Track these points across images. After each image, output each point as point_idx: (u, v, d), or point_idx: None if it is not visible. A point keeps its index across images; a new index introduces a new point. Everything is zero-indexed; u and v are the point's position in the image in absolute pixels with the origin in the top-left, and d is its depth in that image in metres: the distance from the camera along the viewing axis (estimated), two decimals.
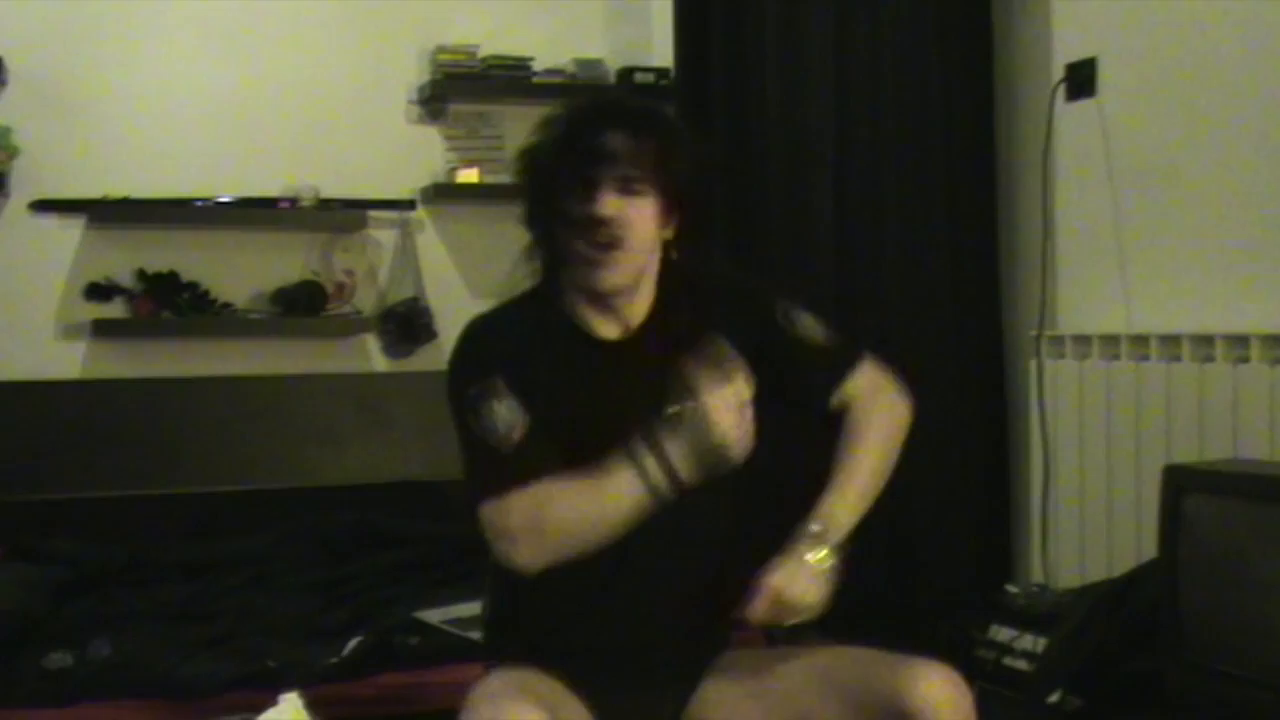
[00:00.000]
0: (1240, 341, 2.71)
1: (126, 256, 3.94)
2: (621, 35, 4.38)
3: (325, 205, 4.04)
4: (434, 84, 4.14)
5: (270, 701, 2.08)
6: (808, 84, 3.39)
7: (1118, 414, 2.96)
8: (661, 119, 1.90)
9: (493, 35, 4.21)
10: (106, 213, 3.89)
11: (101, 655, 2.66)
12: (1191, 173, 2.93)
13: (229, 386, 3.99)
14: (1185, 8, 2.94)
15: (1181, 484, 2.33)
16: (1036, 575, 3.20)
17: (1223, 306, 2.83)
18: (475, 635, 2.70)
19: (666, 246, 1.89)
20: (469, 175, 4.14)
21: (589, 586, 1.83)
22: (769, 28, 3.40)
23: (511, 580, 1.87)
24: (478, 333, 1.91)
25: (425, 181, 4.20)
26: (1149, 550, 2.49)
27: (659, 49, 4.12)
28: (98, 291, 3.91)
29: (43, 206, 3.87)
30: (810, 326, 1.95)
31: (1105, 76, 3.14)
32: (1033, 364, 3.22)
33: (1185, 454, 2.70)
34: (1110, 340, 3.02)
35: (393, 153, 4.19)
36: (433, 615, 2.92)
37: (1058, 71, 3.24)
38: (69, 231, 3.91)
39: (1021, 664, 2.66)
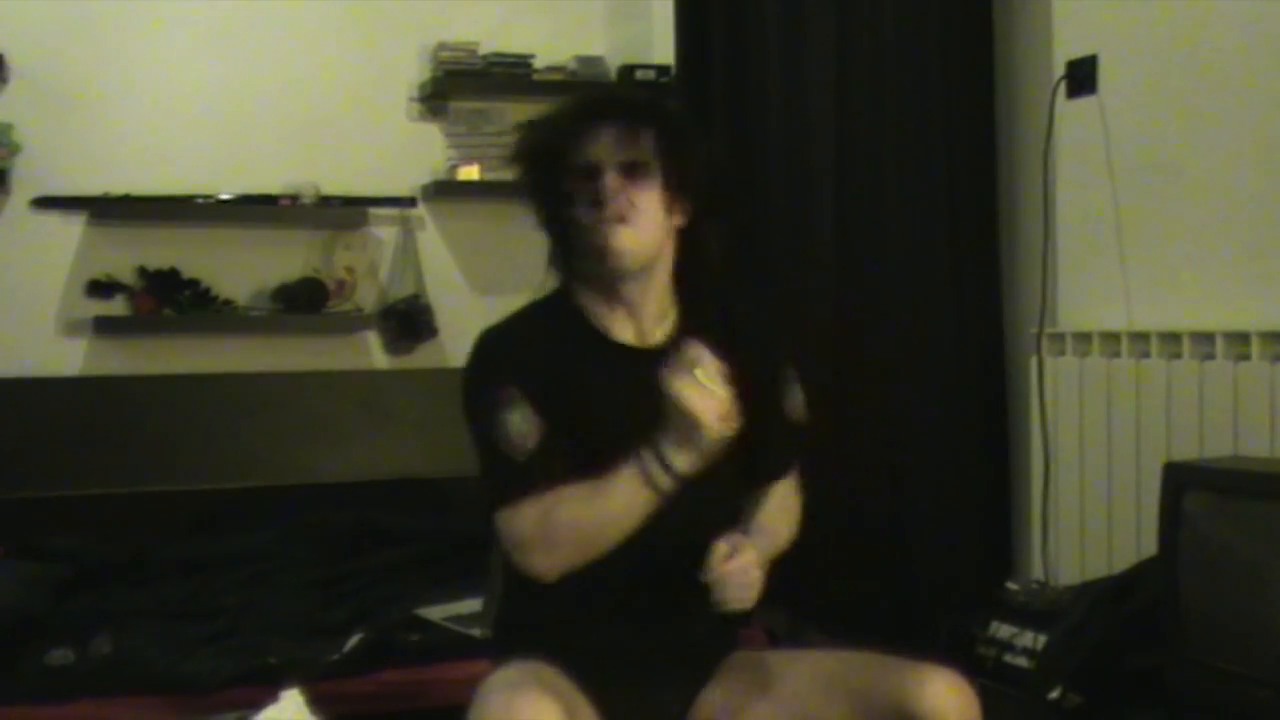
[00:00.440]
0: (1241, 339, 2.71)
1: (127, 253, 3.94)
2: (622, 32, 4.38)
3: (326, 202, 4.04)
4: (435, 81, 4.14)
5: (271, 698, 2.09)
6: (808, 80, 3.39)
7: (1118, 411, 2.96)
8: (663, 108, 1.92)
9: (493, 32, 4.21)
10: (108, 210, 3.90)
11: (103, 652, 2.66)
12: (1192, 170, 2.93)
13: (230, 383, 3.99)
14: (1186, 5, 2.94)
15: (1182, 481, 2.33)
16: (1037, 572, 3.20)
17: (1223, 304, 2.83)
18: (476, 632, 2.70)
19: (681, 241, 1.90)
20: (470, 172, 4.14)
21: (596, 587, 1.83)
22: (770, 25, 3.40)
23: (520, 579, 1.88)
24: (490, 342, 1.91)
25: (426, 179, 4.20)
26: (1149, 547, 2.49)
27: (660, 46, 4.12)
28: (99, 288, 3.91)
29: (44, 203, 3.87)
30: (795, 407, 2.00)
31: (1106, 73, 3.14)
32: (1033, 361, 3.22)
33: (1185, 451, 2.70)
34: (1111, 337, 3.03)
35: (393, 150, 4.19)
36: (433, 612, 2.92)
37: (1058, 68, 3.24)
38: (70, 228, 3.91)
39: (1022, 661, 2.66)
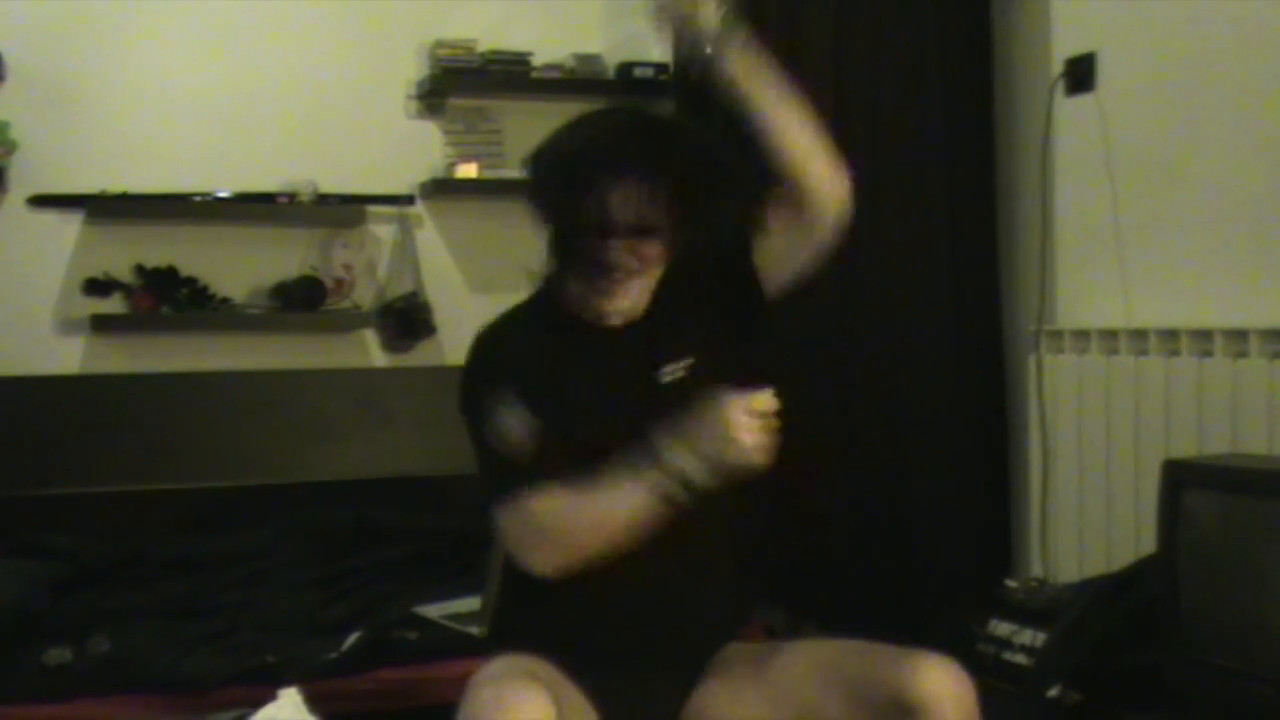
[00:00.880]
0: (1239, 336, 2.71)
1: (125, 251, 3.93)
2: (620, 30, 4.37)
3: (324, 200, 4.04)
4: (433, 79, 4.14)
5: (269, 696, 2.09)
6: (806, 79, 3.37)
7: (1117, 409, 2.95)
8: (676, 149, 1.90)
9: (492, 30, 4.20)
10: (105, 208, 3.89)
11: (101, 651, 2.66)
12: (1191, 168, 2.93)
13: (228, 381, 3.98)
14: (1185, 3, 2.94)
15: (1180, 479, 2.33)
16: (1036, 570, 3.20)
17: (1222, 301, 2.83)
18: (474, 630, 2.71)
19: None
20: (468, 170, 4.14)
21: (593, 582, 1.83)
22: (768, 23, 3.40)
23: (517, 577, 1.89)
24: (485, 343, 1.94)
25: (424, 176, 4.20)
26: (1148, 545, 2.49)
27: (658, 44, 4.12)
28: (96, 287, 3.90)
29: (41, 202, 3.87)
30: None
31: (1104, 71, 3.14)
32: (1032, 359, 3.21)
33: (1184, 449, 2.70)
34: (1109, 335, 3.02)
35: (391, 148, 4.18)
36: (431, 610, 2.93)
37: (1057, 66, 3.24)
38: (67, 226, 3.91)
39: (1021, 658, 2.66)
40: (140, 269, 3.93)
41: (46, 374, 3.86)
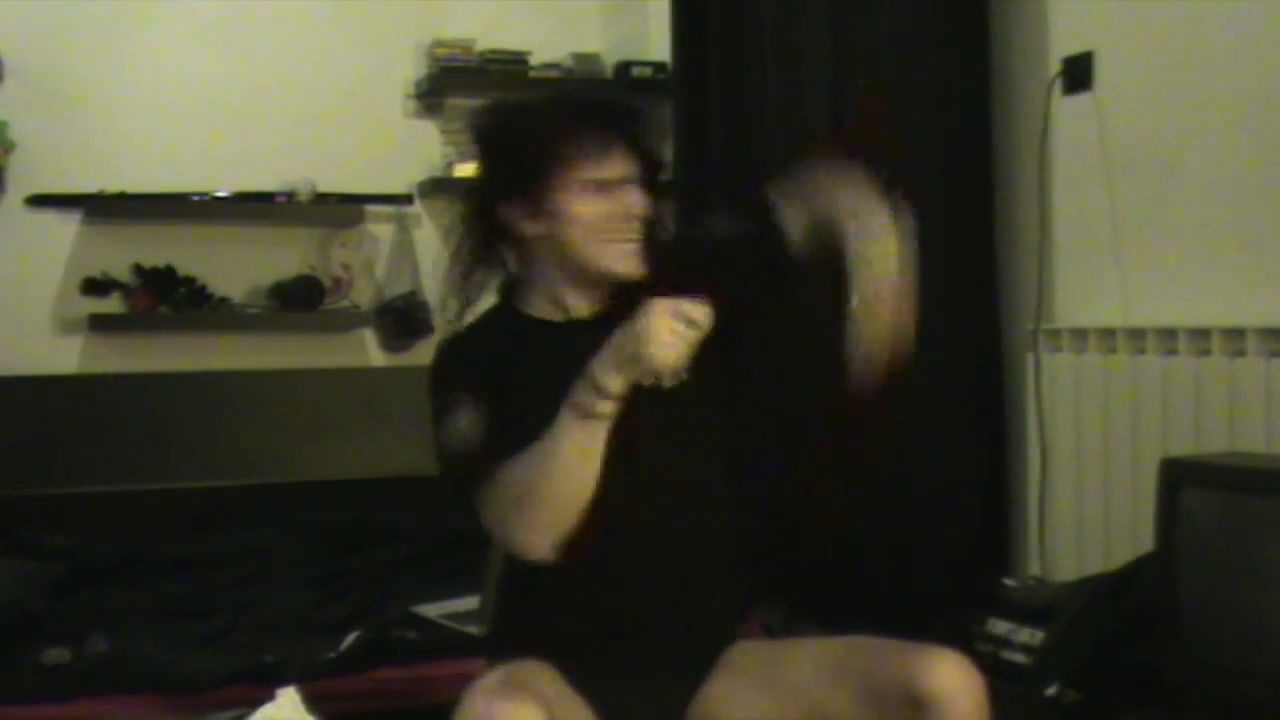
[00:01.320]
0: (1237, 335, 2.71)
1: (123, 251, 3.93)
2: (619, 29, 4.37)
3: (322, 200, 4.04)
4: (431, 78, 4.14)
5: (268, 696, 2.09)
6: (805, 77, 3.39)
7: (1114, 407, 2.96)
8: (642, 113, 1.95)
9: (490, 29, 4.21)
10: (103, 207, 3.89)
11: (99, 650, 2.66)
12: (1189, 166, 2.93)
13: (226, 381, 3.98)
14: (1183, 2, 2.94)
15: (1178, 477, 2.33)
16: (1034, 569, 3.20)
17: (1219, 300, 2.83)
18: (473, 629, 2.70)
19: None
20: (466, 170, 4.13)
21: (593, 583, 1.83)
22: (766, 21, 3.40)
23: (516, 578, 1.89)
24: (444, 350, 1.95)
25: (422, 176, 4.20)
26: (1146, 543, 2.49)
27: (656, 43, 4.12)
28: (94, 286, 3.90)
29: (39, 201, 3.87)
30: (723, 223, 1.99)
31: (1102, 70, 3.14)
32: (1029, 358, 3.22)
33: (1182, 447, 2.70)
34: (1107, 334, 3.02)
35: (390, 147, 4.18)
36: (430, 610, 2.92)
37: (1054, 65, 3.24)
38: (65, 226, 3.91)
39: (1019, 657, 2.66)
40: (138, 268, 3.93)
41: (45, 374, 3.86)
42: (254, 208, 4.02)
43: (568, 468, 1.72)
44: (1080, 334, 3.10)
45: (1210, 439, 2.69)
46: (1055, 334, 3.17)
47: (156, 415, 3.88)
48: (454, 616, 2.87)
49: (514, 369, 1.86)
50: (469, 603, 2.86)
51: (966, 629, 2.79)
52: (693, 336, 1.69)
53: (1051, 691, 2.47)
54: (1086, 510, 3.04)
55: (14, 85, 3.82)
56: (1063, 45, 3.23)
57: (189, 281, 3.96)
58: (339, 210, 4.09)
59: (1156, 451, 2.65)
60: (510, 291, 1.97)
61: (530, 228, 1.89)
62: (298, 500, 3.68)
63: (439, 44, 4.15)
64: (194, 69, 4.00)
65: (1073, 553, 3.07)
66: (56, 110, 3.87)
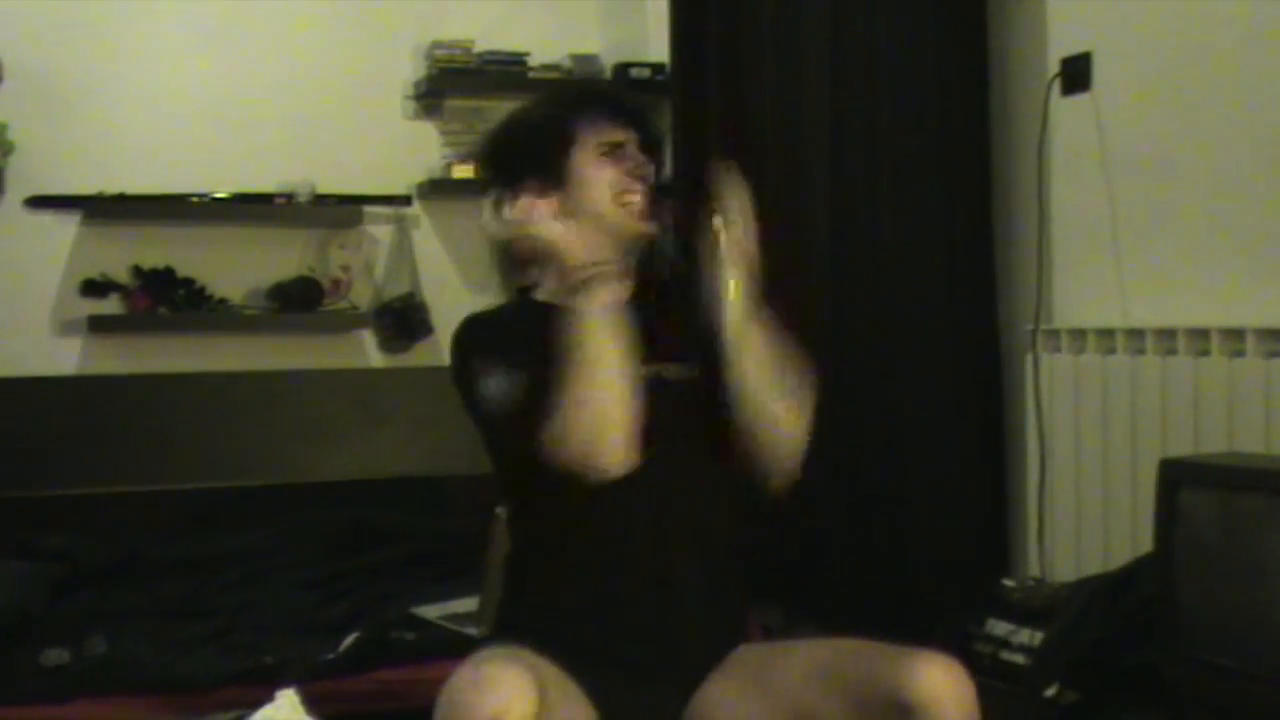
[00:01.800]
0: (1236, 335, 2.71)
1: (122, 252, 3.93)
2: (617, 30, 4.37)
3: (321, 201, 4.04)
4: (430, 79, 4.14)
5: (267, 697, 2.09)
6: (803, 78, 3.39)
7: (1113, 408, 2.96)
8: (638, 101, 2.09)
9: (488, 30, 4.20)
10: (102, 209, 3.89)
11: (98, 652, 2.66)
12: (1187, 167, 2.93)
13: (225, 382, 3.99)
14: (1181, 2, 2.94)
15: (1177, 478, 2.33)
16: (1033, 569, 3.20)
17: (1218, 301, 2.83)
18: (472, 630, 2.70)
19: None
20: (465, 170, 4.13)
21: (592, 584, 1.84)
22: (764, 22, 3.40)
23: (518, 577, 1.90)
24: (471, 322, 2.01)
25: (421, 177, 4.20)
26: (1145, 544, 2.49)
27: (655, 44, 4.12)
28: (93, 288, 3.90)
29: (38, 203, 3.87)
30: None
31: (1100, 71, 3.14)
32: (1028, 358, 3.22)
33: (1181, 448, 2.70)
34: (1106, 334, 3.03)
35: (388, 148, 4.18)
36: (429, 611, 2.92)
37: (1053, 66, 3.24)
38: (64, 228, 3.91)
39: (1018, 658, 2.66)
40: (137, 270, 3.93)
41: (44, 375, 3.86)
42: (253, 209, 4.02)
43: (605, 361, 1.79)
44: (1079, 334, 3.10)
45: (1209, 439, 2.69)
46: (1054, 334, 3.17)
47: (156, 416, 3.88)
48: (453, 617, 2.87)
49: (535, 349, 1.87)
50: (468, 604, 2.86)
51: (966, 629, 2.79)
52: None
53: (1051, 692, 2.47)
54: (1085, 511, 3.04)
55: (13, 87, 3.82)
56: (1061, 46, 3.23)
57: (188, 283, 3.96)
58: (338, 211, 4.09)
59: (1155, 452, 2.65)
60: (528, 286, 2.03)
61: (549, 206, 1.95)
62: (297, 501, 3.68)
63: (438, 45, 4.15)
64: (193, 71, 4.00)
65: (1072, 553, 3.07)
66: (56, 112, 3.87)
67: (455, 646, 2.64)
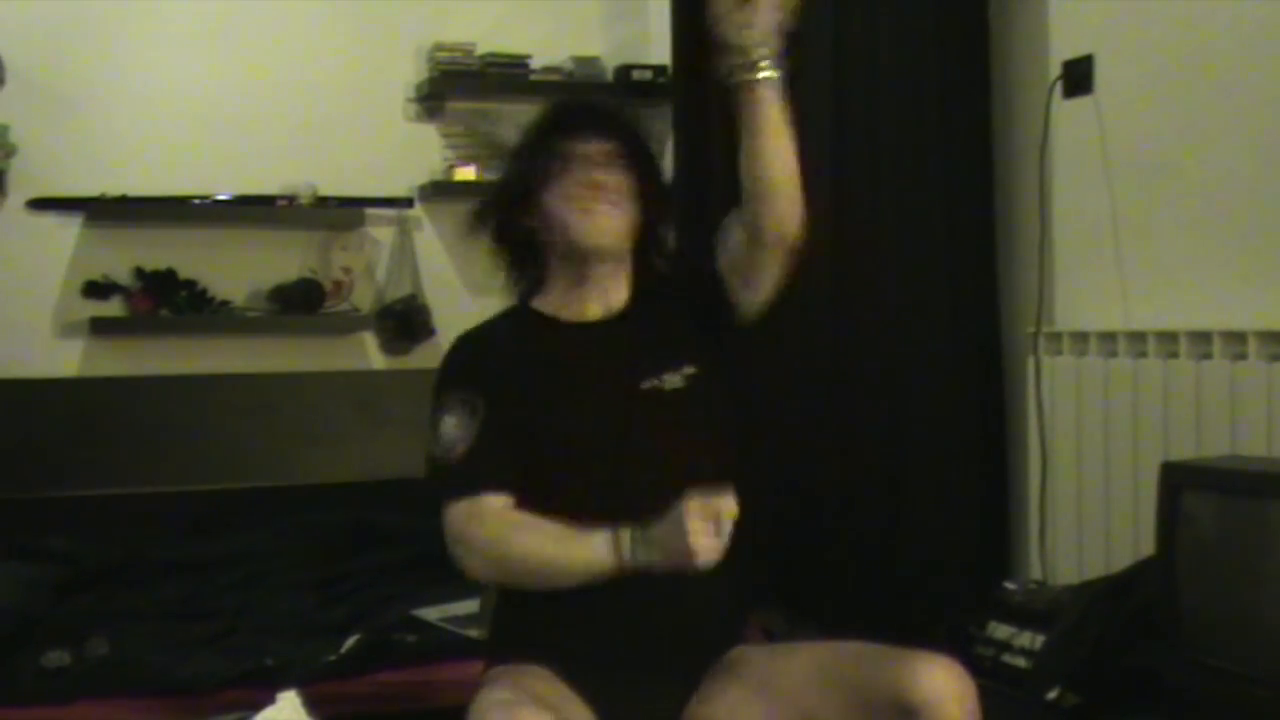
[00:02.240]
0: (1238, 338, 2.71)
1: (124, 254, 3.94)
2: (619, 33, 4.37)
3: (323, 203, 4.04)
4: (432, 81, 4.14)
5: (268, 699, 2.09)
6: (805, 81, 3.38)
7: (1115, 411, 2.95)
8: (629, 115, 2.07)
9: (490, 33, 4.21)
10: (104, 211, 3.89)
11: (99, 654, 2.66)
12: (1189, 169, 2.93)
13: (227, 384, 3.99)
14: (1182, 5, 2.94)
15: (1179, 481, 2.33)
16: (1035, 572, 3.20)
17: (1220, 303, 2.83)
18: (473, 633, 2.70)
19: (641, 235, 2.01)
20: (467, 173, 4.14)
21: (590, 586, 1.84)
22: None
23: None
24: (454, 348, 2.06)
25: (423, 179, 4.20)
26: (1147, 547, 2.49)
27: (656, 47, 4.12)
28: (95, 289, 3.91)
29: (40, 205, 3.87)
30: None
31: (1102, 73, 3.14)
32: (1030, 361, 3.22)
33: (1183, 451, 2.70)
34: (1108, 337, 3.02)
35: (390, 150, 4.19)
36: (430, 613, 2.92)
37: (1055, 68, 3.24)
38: (66, 229, 3.91)
39: (1020, 661, 2.66)
40: (139, 272, 3.93)
41: (46, 377, 3.86)
42: (255, 211, 4.02)
43: (563, 571, 1.83)
44: (1081, 337, 3.10)
45: (1211, 442, 2.69)
46: (1056, 337, 3.17)
47: (157, 418, 3.88)
48: (454, 619, 2.87)
49: (520, 367, 1.91)
50: (469, 606, 2.85)
51: (967, 633, 2.79)
52: (726, 529, 1.76)
53: (1052, 695, 2.47)
54: (1087, 514, 3.04)
55: (16, 89, 3.82)
56: (1063, 49, 3.23)
57: (190, 284, 3.96)
58: (339, 213, 4.09)
59: (1157, 455, 2.65)
60: (529, 291, 2.05)
61: (529, 220, 1.99)
62: (298, 503, 3.68)
63: (440, 47, 4.15)
64: (195, 72, 4.01)
65: (1073, 556, 3.07)
66: (58, 114, 3.87)
67: (456, 649, 2.65)
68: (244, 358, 4.04)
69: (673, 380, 1.93)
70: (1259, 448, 2.59)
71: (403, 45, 4.19)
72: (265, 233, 4.07)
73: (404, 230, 4.18)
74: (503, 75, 4.17)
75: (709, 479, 1.86)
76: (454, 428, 1.90)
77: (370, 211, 4.14)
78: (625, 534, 1.79)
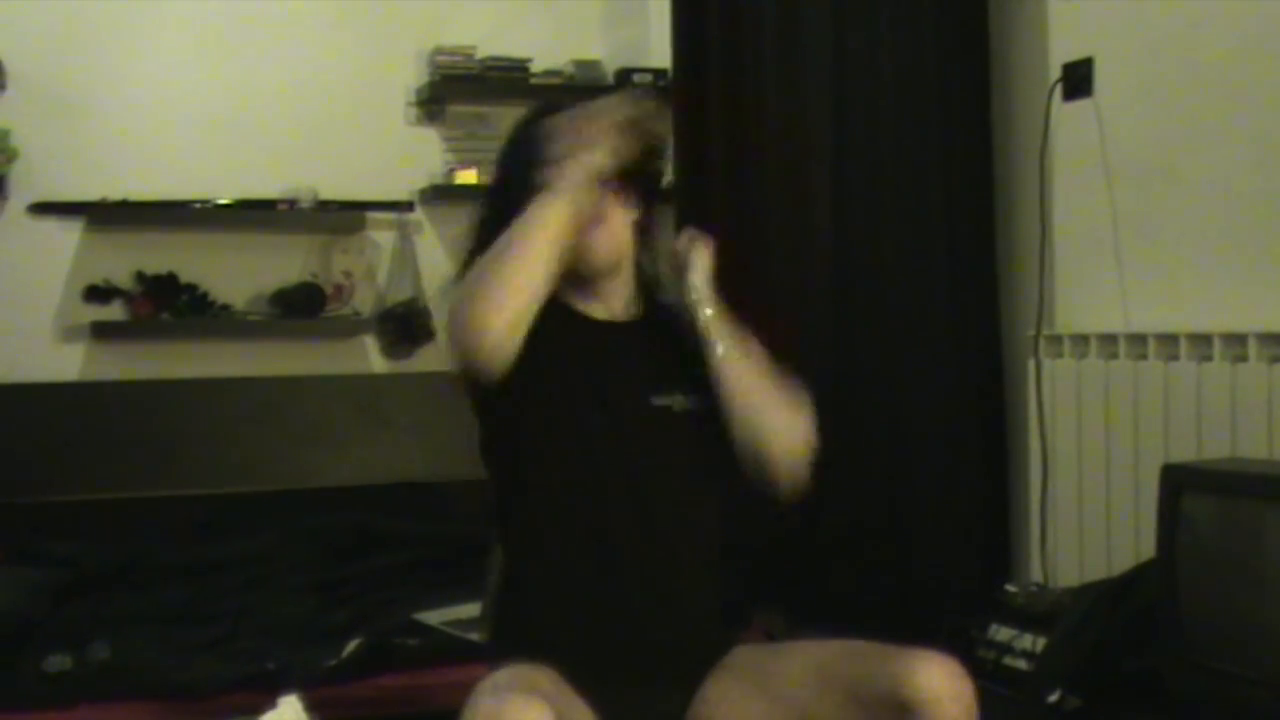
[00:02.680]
0: (1238, 340, 2.71)
1: (125, 258, 3.94)
2: (619, 36, 4.38)
3: (324, 207, 4.05)
4: (432, 85, 4.15)
5: (270, 703, 2.08)
6: (805, 84, 3.39)
7: (1116, 413, 2.96)
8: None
9: (491, 36, 4.21)
10: (105, 215, 3.90)
11: (101, 658, 2.66)
12: (1188, 172, 2.93)
13: (228, 388, 3.99)
14: (1181, 7, 2.94)
15: (1180, 483, 2.33)
16: (1036, 574, 3.20)
17: (1220, 305, 2.83)
18: (474, 636, 2.70)
19: (638, 232, 1.99)
20: (467, 176, 4.14)
21: (591, 586, 1.84)
22: (766, 29, 3.40)
23: (515, 580, 1.90)
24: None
25: (424, 183, 4.20)
26: (1147, 549, 2.49)
27: (657, 50, 4.12)
28: (96, 294, 3.91)
29: (42, 209, 3.88)
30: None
31: (1102, 76, 3.14)
32: (1031, 363, 3.22)
33: (1183, 453, 2.70)
34: (1108, 339, 3.03)
35: (391, 154, 4.19)
36: (432, 617, 2.92)
37: (1054, 71, 3.24)
38: (68, 234, 3.92)
39: (1021, 663, 2.66)
40: (140, 276, 3.93)
41: (47, 381, 3.87)
42: (256, 215, 4.02)
43: (525, 240, 1.79)
44: (1081, 339, 3.10)
45: (1212, 444, 2.69)
46: (1056, 339, 3.17)
47: (158, 422, 3.88)
48: (455, 623, 2.87)
49: (543, 349, 1.87)
50: (470, 609, 2.85)
51: (968, 635, 2.79)
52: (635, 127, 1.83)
53: (1053, 698, 2.47)
54: (1088, 516, 3.04)
55: (17, 94, 3.83)
56: (1063, 51, 3.24)
57: (191, 289, 3.97)
58: (340, 217, 4.10)
59: (1158, 457, 2.65)
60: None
61: None
62: (299, 507, 3.68)
63: (440, 51, 4.15)
64: (196, 77, 4.01)
65: (1074, 558, 3.07)
66: (59, 118, 3.88)
67: (458, 652, 2.65)
68: (245, 361, 4.04)
69: (681, 403, 1.93)
70: (1260, 450, 2.59)
71: (403, 49, 4.19)
72: (266, 237, 4.08)
73: (405, 234, 4.18)
74: (503, 79, 4.17)
75: (699, 476, 1.87)
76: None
77: (371, 215, 4.15)
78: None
